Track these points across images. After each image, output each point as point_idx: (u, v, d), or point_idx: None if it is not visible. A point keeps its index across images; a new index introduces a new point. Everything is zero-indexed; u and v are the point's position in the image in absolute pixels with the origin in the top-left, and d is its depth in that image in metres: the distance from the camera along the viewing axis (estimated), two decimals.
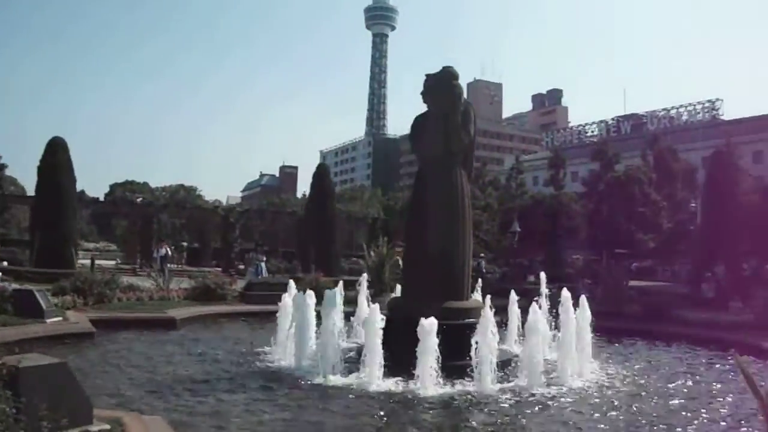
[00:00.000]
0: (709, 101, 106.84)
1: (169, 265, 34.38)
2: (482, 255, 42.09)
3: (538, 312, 12.35)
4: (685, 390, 12.04)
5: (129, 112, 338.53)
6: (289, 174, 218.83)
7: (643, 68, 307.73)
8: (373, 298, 23.57)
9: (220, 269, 41.76)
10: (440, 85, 14.02)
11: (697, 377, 13.29)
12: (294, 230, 58.47)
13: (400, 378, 11.29)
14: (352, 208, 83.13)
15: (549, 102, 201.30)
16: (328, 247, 37.88)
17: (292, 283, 15.87)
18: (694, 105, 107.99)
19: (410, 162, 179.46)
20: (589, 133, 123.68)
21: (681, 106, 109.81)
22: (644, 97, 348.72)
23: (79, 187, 51.60)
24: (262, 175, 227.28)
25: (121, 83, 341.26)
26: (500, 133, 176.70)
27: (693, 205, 59.87)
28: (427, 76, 14.31)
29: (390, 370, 11.40)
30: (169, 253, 37.23)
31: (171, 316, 17.98)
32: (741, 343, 15.50)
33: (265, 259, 30.25)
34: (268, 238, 57.17)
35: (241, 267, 44.12)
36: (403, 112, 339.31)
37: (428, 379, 10.99)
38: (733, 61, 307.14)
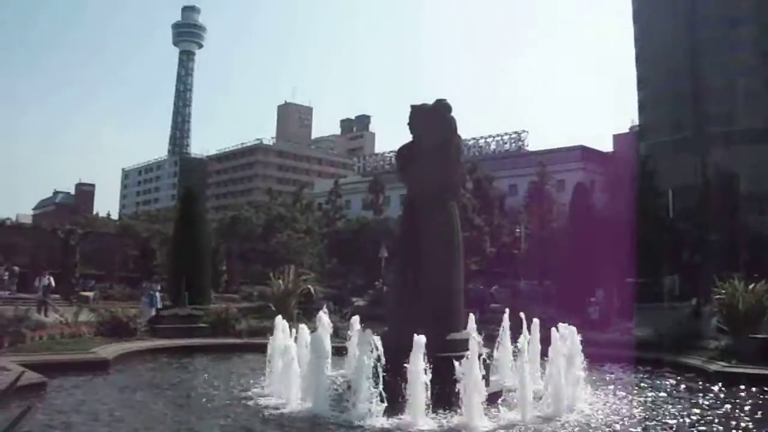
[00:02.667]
0: (515, 132, 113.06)
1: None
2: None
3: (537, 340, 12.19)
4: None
5: None
6: (86, 192, 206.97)
7: (452, 97, 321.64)
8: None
9: (58, 296, 38.44)
10: (435, 118, 13.64)
11: None
12: (138, 253, 55.66)
13: (442, 412, 11.31)
14: (167, 229, 79.60)
15: (357, 127, 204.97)
16: (200, 275, 35.56)
17: (279, 319, 14.75)
18: (502, 136, 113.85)
19: (218, 183, 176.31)
20: None
21: (489, 136, 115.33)
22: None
23: None
24: (56, 193, 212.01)
25: None
26: (310, 157, 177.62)
27: (518, 230, 62.64)
28: (415, 107, 13.89)
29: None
30: (52, 283, 33.55)
31: (102, 356, 16.66)
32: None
33: (159, 288, 27.93)
34: (104, 263, 53.41)
35: (84, 293, 40.79)
36: (208, 131, 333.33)
37: (476, 412, 11.04)
38: (537, 94, 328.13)
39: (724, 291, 19.01)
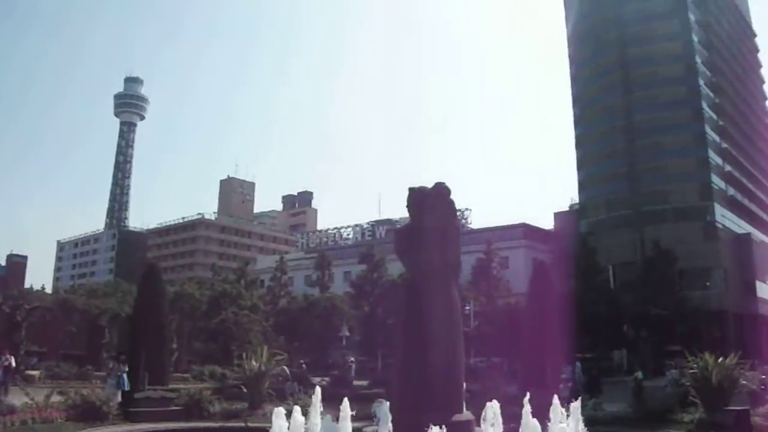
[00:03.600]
0: (458, 210, 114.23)
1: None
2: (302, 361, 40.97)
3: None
4: None
5: None
6: (17, 264, 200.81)
7: (395, 174, 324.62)
8: (249, 409, 22.34)
9: None
10: (437, 200, 14.16)
11: None
12: (84, 331, 54.30)
13: None
14: (106, 304, 77.77)
15: (299, 203, 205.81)
16: (160, 355, 34.72)
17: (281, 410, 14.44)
18: None
19: (157, 257, 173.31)
20: (344, 236, 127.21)
21: None
22: (398, 203, 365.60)
23: None
24: None
25: None
26: (252, 232, 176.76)
27: (467, 308, 63.24)
28: (414, 189, 14.40)
29: None
30: (12, 363, 32.30)
31: None
32: None
33: (127, 369, 27.14)
34: (47, 340, 51.91)
35: (29, 373, 39.54)
36: (148, 204, 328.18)
37: None
38: (480, 173, 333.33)
39: (695, 365, 19.73)
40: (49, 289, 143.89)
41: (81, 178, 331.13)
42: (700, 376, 19.29)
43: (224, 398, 24.36)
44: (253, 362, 24.42)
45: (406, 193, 14.57)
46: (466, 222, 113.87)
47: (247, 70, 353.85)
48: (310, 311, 69.98)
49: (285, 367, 30.61)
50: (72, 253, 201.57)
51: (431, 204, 14.06)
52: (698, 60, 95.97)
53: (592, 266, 75.29)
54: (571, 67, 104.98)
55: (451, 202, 14.48)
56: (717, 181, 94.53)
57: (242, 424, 19.89)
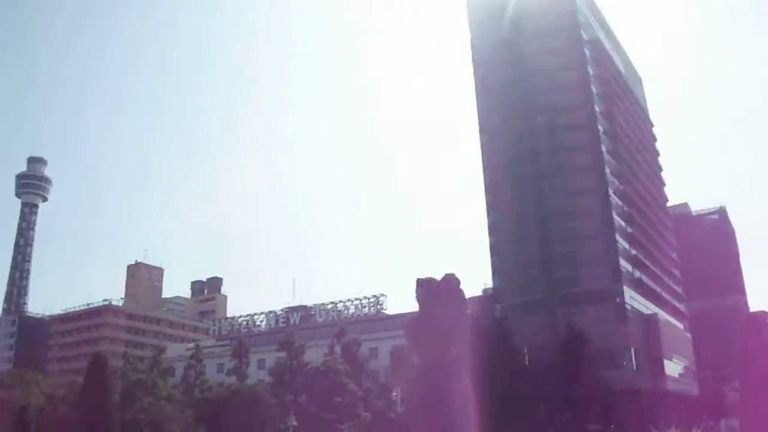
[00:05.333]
0: (374, 296, 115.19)
1: None
2: None
3: None
4: None
5: None
6: None
7: (309, 261, 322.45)
8: None
9: None
10: (447, 292, 14.68)
11: None
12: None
13: None
14: (12, 395, 74.03)
15: (208, 290, 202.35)
16: None
17: None
18: (361, 299, 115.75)
19: (62, 345, 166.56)
20: (258, 323, 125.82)
21: (348, 300, 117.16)
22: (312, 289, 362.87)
23: None
24: None
25: None
26: (161, 319, 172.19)
27: (395, 394, 63.34)
28: (423, 281, 14.90)
29: None
30: None
31: None
32: None
33: None
34: None
35: None
36: (50, 289, 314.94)
37: None
38: (392, 261, 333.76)
39: None
40: None
41: None
42: None
43: None
44: None
45: (414, 284, 15.17)
46: (381, 308, 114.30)
47: (155, 152, 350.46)
48: (232, 401, 68.35)
49: None
50: None
51: (445, 296, 14.60)
52: (604, 149, 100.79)
53: (509, 349, 76.65)
54: (483, 155, 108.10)
55: (462, 292, 15.10)
56: (625, 265, 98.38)
57: None
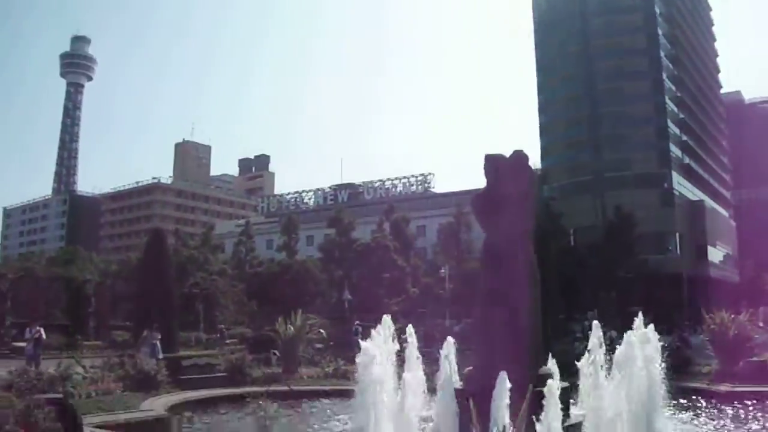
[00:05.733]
0: (422, 175, 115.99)
1: None
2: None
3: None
4: None
5: None
6: None
7: (354, 139, 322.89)
8: (286, 373, 23.07)
9: None
10: (516, 168, 14.84)
11: None
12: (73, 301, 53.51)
13: None
14: (70, 272, 76.98)
15: (256, 167, 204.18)
16: (169, 321, 34.50)
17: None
18: (409, 178, 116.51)
19: (112, 223, 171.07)
20: (306, 200, 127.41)
21: (396, 178, 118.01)
22: (360, 168, 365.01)
23: None
24: None
25: None
26: (209, 197, 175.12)
27: (442, 271, 64.49)
28: (491, 156, 15.02)
29: None
30: (43, 335, 31.86)
31: (161, 413, 16.06)
32: None
33: (159, 337, 27.16)
34: (27, 310, 50.42)
35: (18, 344, 39.22)
36: (98, 168, 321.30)
37: None
38: (441, 139, 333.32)
39: (714, 322, 21.16)
40: None
41: (25, 142, 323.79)
42: (718, 332, 20.76)
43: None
44: (289, 327, 24.87)
45: (483, 160, 15.21)
46: (429, 186, 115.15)
47: (204, 28, 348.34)
48: (283, 276, 70.26)
49: (322, 331, 31.07)
50: (20, 220, 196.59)
51: (513, 171, 14.85)
52: (660, 32, 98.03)
53: (556, 230, 77.12)
54: (535, 34, 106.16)
55: (531, 170, 15.37)
56: (674, 150, 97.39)
57: (286, 388, 20.71)
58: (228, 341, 50.65)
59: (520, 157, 15.00)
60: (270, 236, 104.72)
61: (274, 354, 26.30)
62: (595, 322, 14.76)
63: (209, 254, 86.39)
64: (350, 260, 70.39)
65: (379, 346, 14.85)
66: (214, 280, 70.95)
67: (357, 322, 42.22)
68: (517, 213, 14.58)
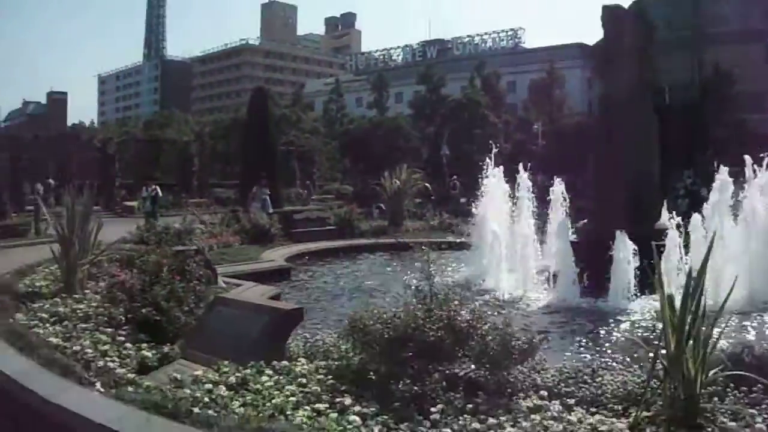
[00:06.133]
0: (512, 29, 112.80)
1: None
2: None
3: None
4: None
5: None
6: (58, 101, 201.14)
7: None
8: (392, 226, 23.84)
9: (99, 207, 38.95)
10: (636, 19, 14.61)
11: None
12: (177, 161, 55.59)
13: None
14: (168, 134, 79.21)
15: (342, 26, 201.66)
16: (274, 176, 35.67)
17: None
18: (498, 33, 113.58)
19: (203, 85, 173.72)
20: (394, 57, 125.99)
21: (485, 33, 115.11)
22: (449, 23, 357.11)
23: None
24: (26, 103, 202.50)
25: None
26: (297, 56, 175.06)
27: (535, 127, 63.88)
28: (609, 7, 14.76)
29: None
30: (160, 193, 33.64)
31: (283, 263, 16.90)
32: None
33: (269, 192, 28.26)
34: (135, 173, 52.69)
35: (129, 204, 41.29)
36: (184, 33, 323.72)
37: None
38: None
39: None
40: (95, 125, 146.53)
41: (114, 10, 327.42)
42: None
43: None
44: (395, 181, 25.42)
45: (600, 10, 14.95)
46: (519, 41, 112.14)
47: None
48: (375, 133, 70.77)
49: (427, 185, 31.51)
50: (114, 86, 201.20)
51: (631, 23, 14.57)
52: None
53: (652, 87, 74.80)
54: None
55: (650, 22, 15.04)
56: None
57: (393, 240, 21.44)
58: (322, 197, 52.33)
59: (638, 8, 14.70)
60: (359, 94, 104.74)
61: (378, 208, 27.01)
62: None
63: (301, 113, 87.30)
64: (441, 116, 69.98)
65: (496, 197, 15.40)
66: (307, 138, 71.94)
67: (454, 177, 42.45)
68: (635, 64, 14.39)
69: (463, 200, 38.59)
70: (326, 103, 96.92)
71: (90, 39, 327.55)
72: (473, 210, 17.78)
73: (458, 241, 20.47)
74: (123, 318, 7.96)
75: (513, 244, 15.25)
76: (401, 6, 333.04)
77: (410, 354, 5.66)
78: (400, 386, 5.54)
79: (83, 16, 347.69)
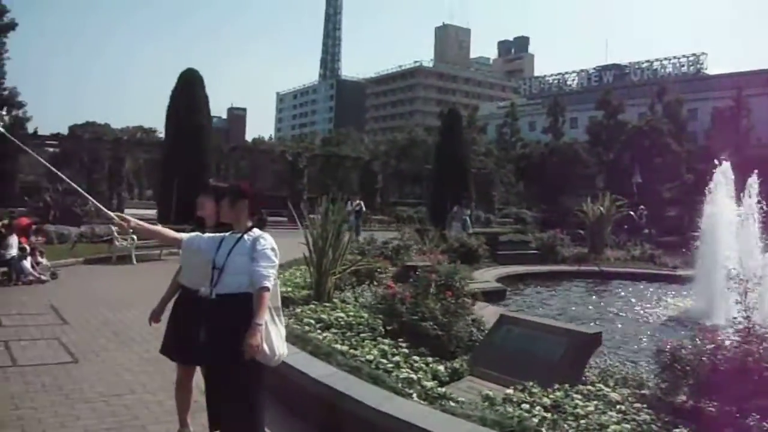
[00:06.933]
0: (693, 55, 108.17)
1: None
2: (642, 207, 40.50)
3: None
4: None
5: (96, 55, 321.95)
6: (237, 116, 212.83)
7: (624, 19, 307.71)
8: (592, 254, 23.25)
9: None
10: None
11: None
12: (359, 178, 57.34)
13: None
14: (343, 151, 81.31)
15: (516, 49, 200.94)
16: (468, 198, 35.96)
17: None
18: (678, 58, 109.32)
19: (376, 105, 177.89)
20: (568, 82, 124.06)
21: (665, 58, 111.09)
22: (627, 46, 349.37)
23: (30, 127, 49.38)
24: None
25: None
26: (469, 79, 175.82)
27: (722, 158, 60.60)
28: None
29: None
30: (364, 208, 34.83)
31: (499, 285, 16.76)
32: None
33: (469, 213, 28.57)
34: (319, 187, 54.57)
35: (313, 217, 42.45)
36: (358, 55, 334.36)
37: None
38: (715, 16, 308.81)
39: None
40: (273, 139, 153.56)
41: (293, 32, 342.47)
42: None
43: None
44: (598, 207, 24.83)
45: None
46: (702, 67, 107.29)
47: None
48: (550, 158, 69.66)
49: (632, 213, 30.71)
50: (291, 104, 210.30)
51: None
52: None
53: None
54: None
55: None
56: None
57: (595, 269, 20.90)
58: (502, 220, 51.83)
59: None
60: (533, 118, 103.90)
61: (576, 234, 26.40)
62: None
63: (475, 135, 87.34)
64: (620, 143, 67.88)
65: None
66: (482, 161, 71.87)
67: (641, 207, 41.05)
68: None
69: (646, 231, 37.22)
70: (500, 126, 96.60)
71: (272, 59, 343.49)
72: (693, 239, 17.00)
73: (664, 273, 19.72)
74: (383, 329, 8.07)
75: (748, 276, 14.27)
76: (575, 30, 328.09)
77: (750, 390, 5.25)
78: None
79: (262, 39, 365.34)
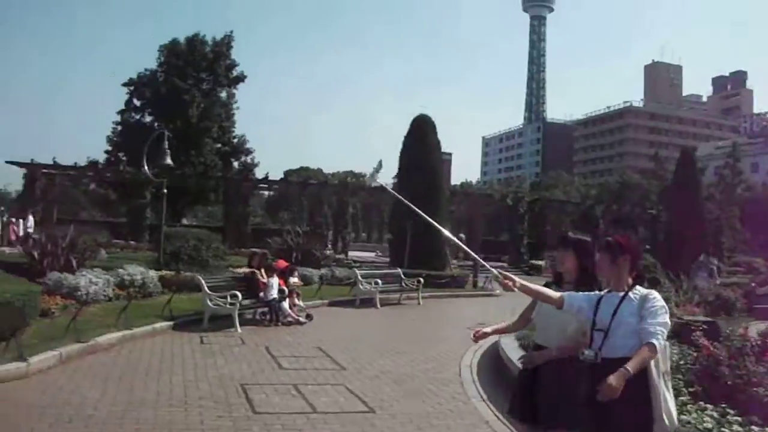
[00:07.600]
0: None
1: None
2: None
3: None
4: None
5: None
6: (444, 161, 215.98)
7: None
8: None
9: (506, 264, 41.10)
10: None
11: None
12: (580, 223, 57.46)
13: None
14: (555, 195, 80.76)
15: (732, 85, 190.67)
16: (699, 245, 34.97)
17: None
18: None
19: (584, 148, 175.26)
20: None
21: None
22: None
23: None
24: None
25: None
26: (683, 119, 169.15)
27: None
28: None
29: None
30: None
31: None
32: None
33: (716, 262, 28.25)
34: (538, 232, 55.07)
35: (538, 263, 42.93)
36: (563, 96, 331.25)
37: None
38: None
39: None
40: (481, 183, 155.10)
41: (494, 76, 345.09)
42: None
43: None
44: None
45: None
46: None
47: None
48: None
49: None
50: (497, 148, 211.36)
51: None
52: None
53: None
54: None
55: None
56: None
57: None
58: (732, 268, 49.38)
59: None
60: (755, 158, 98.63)
61: None
62: None
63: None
64: None
65: None
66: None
67: None
68: None
69: None
70: (720, 168, 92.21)
71: (471, 103, 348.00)
72: None
73: None
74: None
75: None
76: None
77: None
78: None
79: (461, 84, 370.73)
